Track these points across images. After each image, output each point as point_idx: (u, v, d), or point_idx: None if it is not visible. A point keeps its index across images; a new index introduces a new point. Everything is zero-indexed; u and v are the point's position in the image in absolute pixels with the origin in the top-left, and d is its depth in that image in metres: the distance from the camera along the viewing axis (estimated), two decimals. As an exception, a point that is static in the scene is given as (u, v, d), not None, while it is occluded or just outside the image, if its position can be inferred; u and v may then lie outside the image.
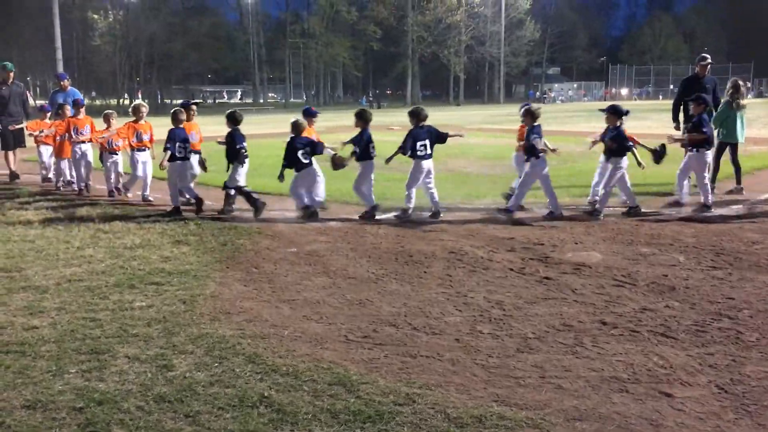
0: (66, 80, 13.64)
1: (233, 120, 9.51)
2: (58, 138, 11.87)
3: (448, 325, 4.99)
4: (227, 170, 9.45)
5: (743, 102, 10.61)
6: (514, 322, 5.05)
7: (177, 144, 9.41)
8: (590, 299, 5.54)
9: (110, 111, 11.77)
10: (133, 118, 10.85)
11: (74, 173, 11.95)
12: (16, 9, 67.33)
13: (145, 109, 11.25)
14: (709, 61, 11.33)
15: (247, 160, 9.51)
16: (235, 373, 4.11)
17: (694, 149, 9.15)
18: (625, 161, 8.81)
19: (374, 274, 6.41)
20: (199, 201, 9.48)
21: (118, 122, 11.51)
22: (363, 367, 4.21)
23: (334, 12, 77.65)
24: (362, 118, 9.23)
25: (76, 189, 11.74)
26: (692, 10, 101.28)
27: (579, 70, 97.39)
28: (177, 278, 6.22)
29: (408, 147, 8.86)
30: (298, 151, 8.97)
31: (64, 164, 12.12)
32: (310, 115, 9.79)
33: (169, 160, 9.42)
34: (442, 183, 10.74)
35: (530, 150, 8.82)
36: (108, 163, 11.22)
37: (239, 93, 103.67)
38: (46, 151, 12.74)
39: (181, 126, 9.62)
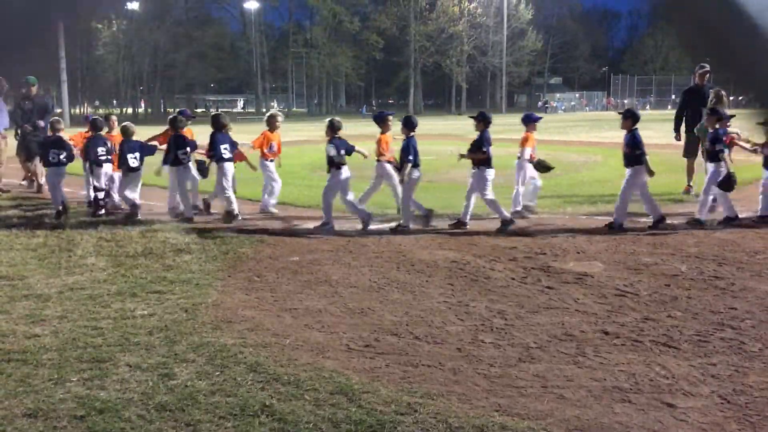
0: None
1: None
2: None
3: (449, 335, 4.98)
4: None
5: (727, 111, 10.62)
6: (515, 331, 5.04)
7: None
8: (592, 309, 5.53)
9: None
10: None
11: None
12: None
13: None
14: (707, 69, 11.37)
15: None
16: (236, 382, 4.10)
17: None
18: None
19: (376, 283, 6.40)
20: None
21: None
22: (364, 376, 4.20)
23: (337, 22, 77.88)
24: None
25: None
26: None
27: (581, 80, 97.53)
28: (179, 286, 6.22)
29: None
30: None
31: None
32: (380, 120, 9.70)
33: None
34: (444, 192, 10.77)
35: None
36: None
37: (241, 102, 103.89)
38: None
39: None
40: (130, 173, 9.87)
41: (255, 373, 4.24)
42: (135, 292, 6.08)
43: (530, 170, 9.53)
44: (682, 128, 11.42)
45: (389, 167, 9.48)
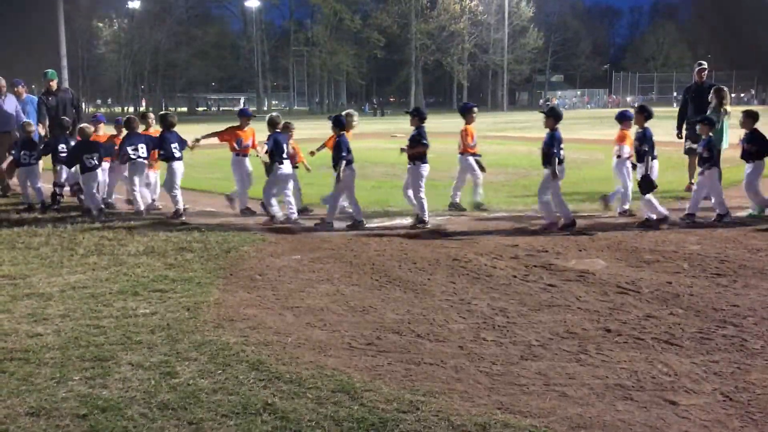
0: (21, 86, 12.53)
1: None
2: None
3: (451, 333, 4.98)
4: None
5: (729, 108, 10.63)
6: (517, 329, 5.04)
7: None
8: (594, 306, 5.52)
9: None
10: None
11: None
12: (22, 17, 67.65)
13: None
14: (705, 66, 11.41)
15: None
16: (238, 380, 4.11)
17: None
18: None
19: (378, 281, 6.40)
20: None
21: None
22: (366, 375, 4.20)
23: (338, 20, 77.85)
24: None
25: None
26: (696, 17, 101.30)
27: (582, 78, 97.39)
28: (181, 285, 6.23)
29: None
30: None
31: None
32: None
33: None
34: (445, 189, 10.74)
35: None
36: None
37: (242, 100, 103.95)
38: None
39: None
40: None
41: (257, 371, 4.24)
42: (137, 290, 6.08)
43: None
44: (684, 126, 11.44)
45: (472, 160, 9.47)
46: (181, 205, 9.74)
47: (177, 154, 9.81)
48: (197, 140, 10.15)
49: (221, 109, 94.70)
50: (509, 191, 11.09)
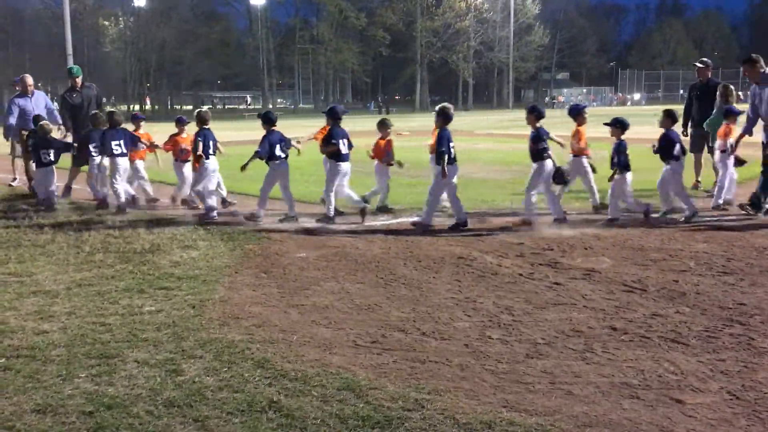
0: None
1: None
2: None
3: (457, 331, 4.98)
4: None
5: (737, 106, 10.57)
6: (523, 327, 5.03)
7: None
8: (600, 305, 5.51)
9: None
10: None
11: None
12: (28, 15, 67.93)
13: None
14: (704, 63, 11.42)
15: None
16: (243, 378, 4.11)
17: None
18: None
19: (383, 279, 6.40)
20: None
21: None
22: (372, 373, 4.20)
23: (343, 18, 77.82)
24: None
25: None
26: (702, 15, 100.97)
27: (588, 75, 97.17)
28: (186, 283, 6.24)
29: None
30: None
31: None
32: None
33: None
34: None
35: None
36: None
37: (248, 98, 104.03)
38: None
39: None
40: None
41: (262, 369, 4.25)
42: (143, 288, 6.09)
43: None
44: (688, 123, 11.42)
45: (586, 162, 9.46)
46: (122, 200, 9.99)
47: (118, 151, 10.02)
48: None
49: (227, 107, 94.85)
50: (514, 189, 11.05)
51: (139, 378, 4.12)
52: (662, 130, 8.94)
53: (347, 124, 9.79)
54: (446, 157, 8.44)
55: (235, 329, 5.01)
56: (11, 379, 4.14)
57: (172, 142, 10.39)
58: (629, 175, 8.74)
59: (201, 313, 5.37)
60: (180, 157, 10.33)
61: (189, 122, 10.57)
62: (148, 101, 76.79)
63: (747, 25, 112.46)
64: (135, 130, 10.56)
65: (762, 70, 8.97)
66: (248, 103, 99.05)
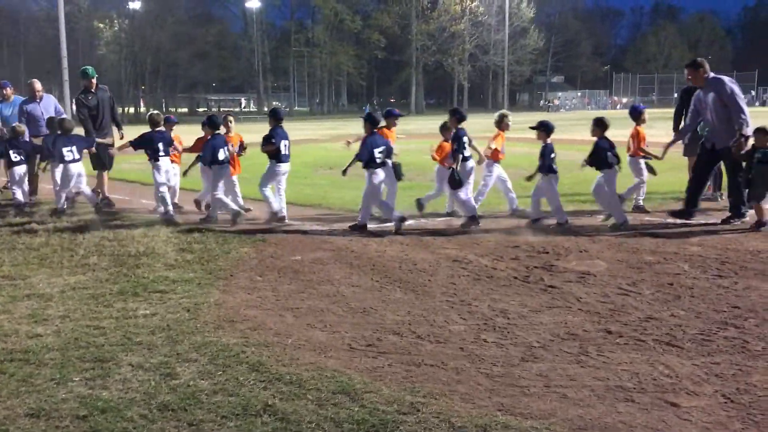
0: (9, 88, 11.82)
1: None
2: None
3: (452, 334, 4.97)
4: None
5: None
6: (518, 330, 5.03)
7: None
8: (595, 308, 5.51)
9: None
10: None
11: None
12: (23, 18, 67.77)
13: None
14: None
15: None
16: (238, 381, 4.10)
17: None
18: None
19: (378, 282, 6.40)
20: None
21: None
22: (367, 376, 4.20)
23: (339, 21, 77.86)
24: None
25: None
26: (696, 18, 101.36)
27: (583, 79, 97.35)
28: (181, 286, 6.22)
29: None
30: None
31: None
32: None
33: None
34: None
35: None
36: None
37: (243, 101, 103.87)
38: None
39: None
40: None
41: (257, 372, 4.24)
42: (137, 291, 6.08)
43: None
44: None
45: (643, 163, 9.54)
46: (61, 204, 10.11)
47: (69, 158, 10.05)
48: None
49: (222, 109, 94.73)
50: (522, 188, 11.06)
51: (133, 382, 4.11)
52: (594, 139, 8.93)
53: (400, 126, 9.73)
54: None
55: (230, 332, 4.99)
56: (4, 382, 4.12)
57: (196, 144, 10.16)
58: (555, 178, 8.84)
59: (196, 317, 5.35)
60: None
61: (177, 122, 10.51)
62: (143, 104, 76.61)
63: (741, 28, 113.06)
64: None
65: (706, 75, 8.82)
66: (242, 106, 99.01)
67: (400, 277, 6.53)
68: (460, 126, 8.91)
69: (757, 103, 72.05)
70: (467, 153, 8.91)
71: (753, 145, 8.30)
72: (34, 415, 3.69)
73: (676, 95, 78.17)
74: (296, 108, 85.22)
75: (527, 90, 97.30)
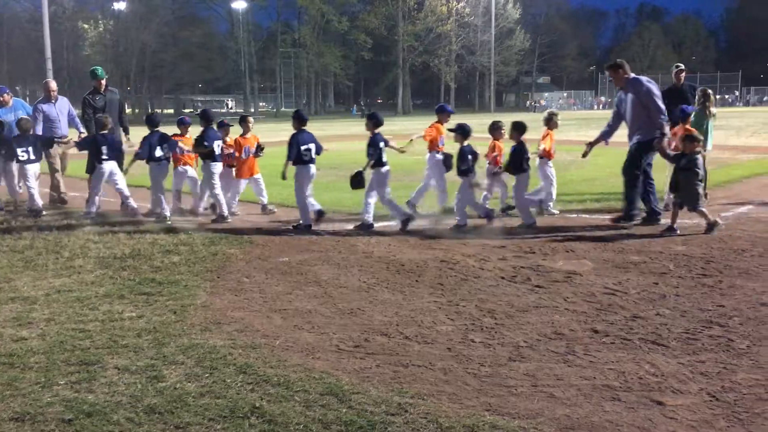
0: (7, 94, 11.42)
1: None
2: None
3: (440, 334, 4.98)
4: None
5: (713, 110, 10.70)
6: (505, 330, 5.04)
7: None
8: (581, 307, 5.54)
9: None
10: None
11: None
12: (6, 19, 67.17)
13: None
14: (682, 68, 11.54)
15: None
16: (226, 383, 4.08)
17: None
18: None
19: (366, 283, 6.39)
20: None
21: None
22: (355, 377, 4.19)
23: (325, 22, 77.78)
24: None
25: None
26: (680, 19, 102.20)
27: (569, 80, 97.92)
28: (167, 288, 6.19)
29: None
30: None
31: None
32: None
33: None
34: (432, 191, 10.72)
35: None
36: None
37: (229, 102, 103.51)
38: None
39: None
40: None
41: (245, 374, 4.22)
42: (123, 294, 6.04)
43: None
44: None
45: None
46: (31, 204, 10.16)
47: (25, 158, 10.13)
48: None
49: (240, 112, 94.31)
50: (495, 192, 11.08)
51: (119, 385, 4.08)
52: (512, 143, 9.04)
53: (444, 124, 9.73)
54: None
55: (217, 334, 4.97)
56: (-11, 387, 4.08)
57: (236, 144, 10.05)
58: (473, 178, 8.85)
59: (182, 319, 5.33)
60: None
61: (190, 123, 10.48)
62: (128, 105, 76.17)
63: (724, 29, 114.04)
64: (182, 135, 10.20)
65: (626, 76, 8.86)
66: (229, 107, 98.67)
67: (388, 278, 6.53)
68: (377, 131, 8.93)
69: (740, 104, 72.68)
70: (384, 158, 8.88)
71: (682, 151, 8.30)
72: (19, 419, 3.65)
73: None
74: (283, 109, 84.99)
75: (513, 90, 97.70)
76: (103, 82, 11.06)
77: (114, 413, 3.70)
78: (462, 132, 8.85)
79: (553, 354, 4.57)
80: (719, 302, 5.59)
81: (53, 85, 11.59)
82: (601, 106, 75.74)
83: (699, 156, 8.16)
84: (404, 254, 7.48)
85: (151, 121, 10.07)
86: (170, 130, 10.28)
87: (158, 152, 9.63)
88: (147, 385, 4.07)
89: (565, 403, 3.82)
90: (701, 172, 8.15)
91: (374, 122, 8.98)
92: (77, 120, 11.73)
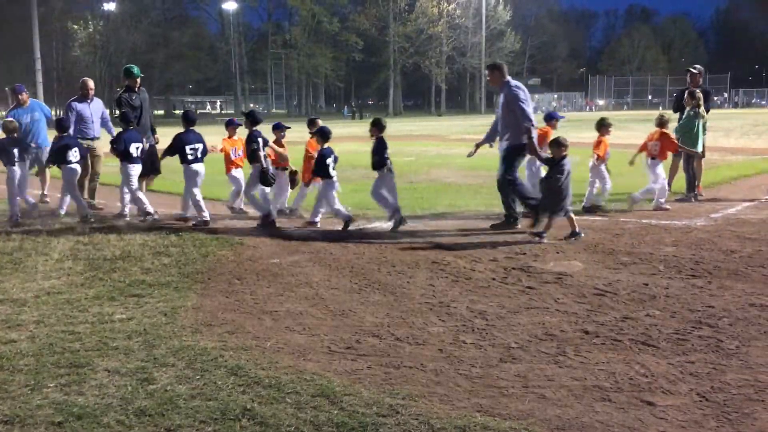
0: (24, 93, 11.38)
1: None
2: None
3: (431, 336, 4.98)
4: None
5: (703, 111, 10.79)
6: (496, 331, 5.05)
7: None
8: (572, 308, 5.56)
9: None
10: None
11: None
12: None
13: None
14: (696, 71, 11.63)
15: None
16: (217, 385, 4.07)
17: None
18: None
19: (357, 284, 6.39)
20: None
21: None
22: (346, 379, 4.19)
23: (316, 23, 77.78)
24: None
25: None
26: (670, 21, 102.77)
27: (559, 81, 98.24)
28: (158, 290, 6.17)
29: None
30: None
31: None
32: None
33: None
34: (424, 192, 10.78)
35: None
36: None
37: (218, 103, 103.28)
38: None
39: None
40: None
41: (236, 376, 4.21)
42: (113, 296, 6.01)
43: None
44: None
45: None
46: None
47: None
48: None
49: (199, 112, 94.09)
50: (487, 193, 11.12)
51: (109, 387, 4.06)
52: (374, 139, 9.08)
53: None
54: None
55: (208, 336, 4.96)
56: (-23, 389, 4.05)
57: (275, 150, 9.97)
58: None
59: (173, 321, 5.31)
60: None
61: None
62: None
63: (713, 30, 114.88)
64: (229, 137, 10.05)
65: (503, 78, 8.85)
66: (220, 108, 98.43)
67: (379, 279, 6.54)
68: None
69: (729, 106, 73.19)
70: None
71: (552, 156, 8.32)
72: (8, 422, 3.63)
73: (650, 97, 79.24)
74: (274, 110, 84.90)
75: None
76: (138, 80, 10.66)
77: (104, 416, 3.68)
78: (377, 126, 9.05)
79: (544, 355, 4.58)
80: (709, 303, 5.63)
81: (91, 83, 11.19)
82: (595, 107, 76.10)
83: (566, 162, 8.06)
84: (395, 255, 7.48)
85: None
86: (171, 130, 10.26)
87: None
88: (137, 387, 4.05)
89: (556, 403, 3.83)
90: (564, 179, 7.96)
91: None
92: (110, 124, 11.49)
